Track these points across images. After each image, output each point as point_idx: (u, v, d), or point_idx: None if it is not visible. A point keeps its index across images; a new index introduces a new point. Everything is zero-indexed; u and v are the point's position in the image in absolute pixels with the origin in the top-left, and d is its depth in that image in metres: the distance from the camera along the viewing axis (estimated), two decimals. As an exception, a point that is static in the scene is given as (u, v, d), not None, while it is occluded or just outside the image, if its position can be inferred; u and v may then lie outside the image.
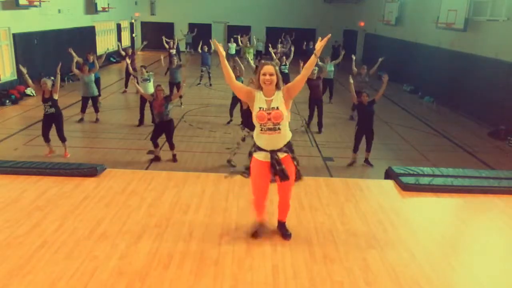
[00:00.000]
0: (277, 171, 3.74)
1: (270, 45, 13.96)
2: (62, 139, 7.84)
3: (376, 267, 3.76)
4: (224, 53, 3.75)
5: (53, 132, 7.79)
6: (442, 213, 5.08)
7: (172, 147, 7.89)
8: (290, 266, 3.72)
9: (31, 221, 4.35)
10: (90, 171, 5.54)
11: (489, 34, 12.04)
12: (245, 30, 24.94)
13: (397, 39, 18.97)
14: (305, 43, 18.52)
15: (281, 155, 3.75)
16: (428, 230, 4.54)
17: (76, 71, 10.09)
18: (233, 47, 18.37)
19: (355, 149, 7.99)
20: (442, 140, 10.17)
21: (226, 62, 3.75)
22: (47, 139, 7.78)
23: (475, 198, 5.36)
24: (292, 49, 13.94)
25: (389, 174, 6.00)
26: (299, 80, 3.69)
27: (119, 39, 23.62)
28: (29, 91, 12.94)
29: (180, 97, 12.07)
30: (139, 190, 5.20)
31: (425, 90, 15.48)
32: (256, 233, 4.15)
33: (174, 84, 11.54)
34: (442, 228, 4.66)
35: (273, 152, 3.73)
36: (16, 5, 12.88)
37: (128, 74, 13.26)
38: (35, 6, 13.82)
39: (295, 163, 3.86)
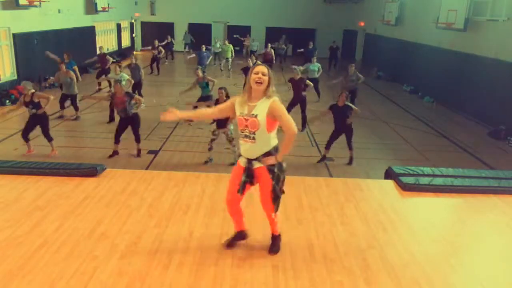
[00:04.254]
0: (243, 180, 3.60)
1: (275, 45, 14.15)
2: (48, 138, 7.91)
3: (376, 267, 3.76)
4: (174, 114, 3.52)
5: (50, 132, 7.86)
6: (442, 213, 5.09)
7: (138, 140, 7.99)
8: (290, 266, 3.72)
9: (31, 221, 4.35)
10: (90, 171, 5.54)
11: (489, 34, 12.03)
12: (245, 30, 25.01)
13: (397, 39, 18.96)
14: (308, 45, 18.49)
15: (257, 165, 3.55)
16: (428, 230, 4.54)
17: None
18: (217, 46, 18.84)
19: (327, 146, 8.13)
20: (442, 140, 10.17)
21: (185, 114, 3.66)
22: (26, 139, 7.82)
23: (475, 198, 5.36)
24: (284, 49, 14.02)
25: (389, 174, 6.00)
26: (281, 123, 3.45)
27: (119, 39, 23.66)
28: (29, 91, 12.93)
29: (141, 97, 12.07)
30: (139, 190, 5.20)
31: (425, 90, 15.48)
32: (230, 242, 3.95)
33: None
34: (442, 228, 4.66)
35: (249, 161, 3.57)
36: (16, 5, 12.87)
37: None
38: (35, 6, 13.80)
39: (274, 179, 3.55)
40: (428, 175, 5.75)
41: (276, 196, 3.62)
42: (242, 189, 3.61)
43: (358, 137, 9.88)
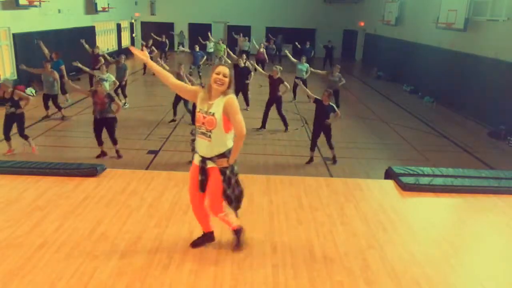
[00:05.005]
0: (200, 179, 3.61)
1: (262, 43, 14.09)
2: (24, 137, 7.91)
3: (376, 267, 3.76)
4: (145, 57, 3.59)
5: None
6: (442, 213, 5.09)
7: (114, 142, 7.86)
8: (290, 266, 3.72)
9: (31, 221, 4.35)
10: (90, 171, 5.54)
11: (489, 34, 12.03)
12: (245, 30, 25.01)
13: (397, 39, 18.96)
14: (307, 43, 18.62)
15: (210, 165, 3.54)
16: (428, 230, 4.54)
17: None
18: (210, 45, 18.87)
19: (312, 147, 8.06)
20: (442, 140, 10.17)
21: (152, 63, 3.59)
22: (7, 138, 7.83)
23: (475, 198, 5.36)
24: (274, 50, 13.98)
25: (389, 174, 6.00)
26: (232, 120, 3.42)
27: (119, 39, 23.64)
28: (29, 91, 12.94)
29: (125, 96, 12.03)
30: (139, 190, 5.20)
31: (425, 90, 15.48)
32: (196, 242, 3.97)
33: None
34: (442, 228, 4.66)
35: (203, 159, 3.56)
36: (16, 5, 12.87)
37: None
38: (35, 6, 13.80)
39: (225, 182, 3.54)
40: (428, 175, 5.75)
41: (230, 200, 3.63)
42: (202, 187, 3.62)
43: (358, 137, 9.92)
